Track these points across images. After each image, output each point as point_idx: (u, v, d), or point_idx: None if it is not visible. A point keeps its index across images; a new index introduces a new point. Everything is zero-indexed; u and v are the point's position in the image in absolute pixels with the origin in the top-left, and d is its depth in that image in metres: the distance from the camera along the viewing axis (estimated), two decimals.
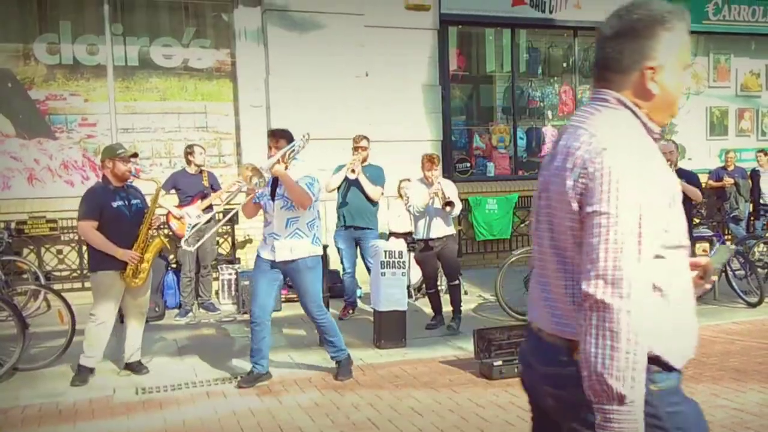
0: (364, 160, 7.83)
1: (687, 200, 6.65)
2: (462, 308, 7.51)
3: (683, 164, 12.89)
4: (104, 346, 5.88)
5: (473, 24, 11.66)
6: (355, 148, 7.84)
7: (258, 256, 5.70)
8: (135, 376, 5.95)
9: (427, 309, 8.38)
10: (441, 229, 7.33)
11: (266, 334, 5.62)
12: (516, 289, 7.89)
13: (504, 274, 7.74)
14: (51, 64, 9.45)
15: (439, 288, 7.93)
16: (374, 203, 7.87)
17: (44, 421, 4.96)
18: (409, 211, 7.50)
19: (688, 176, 6.66)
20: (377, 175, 7.87)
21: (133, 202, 5.92)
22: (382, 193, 7.97)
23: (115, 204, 5.81)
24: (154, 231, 5.92)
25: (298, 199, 5.40)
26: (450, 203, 7.12)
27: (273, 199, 5.53)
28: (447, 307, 7.61)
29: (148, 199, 6.12)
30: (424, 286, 9.00)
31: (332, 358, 5.84)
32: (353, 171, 7.62)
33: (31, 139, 9.41)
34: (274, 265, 5.55)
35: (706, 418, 4.68)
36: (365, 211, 7.84)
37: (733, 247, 8.71)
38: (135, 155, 6.12)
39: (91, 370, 5.85)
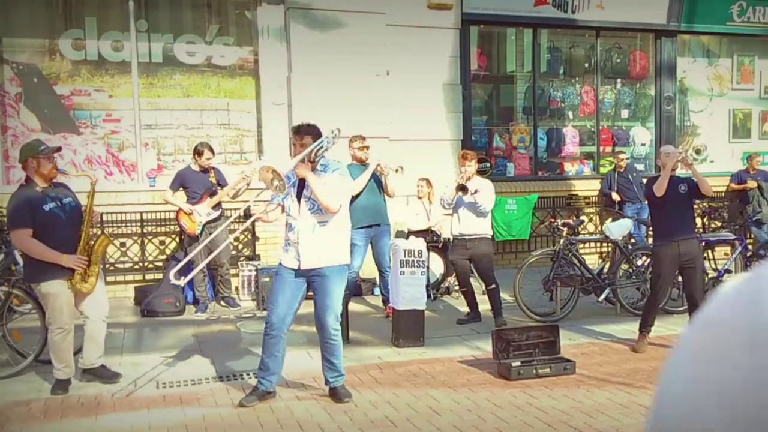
0: (364, 159, 7.84)
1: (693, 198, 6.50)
2: (501, 309, 7.52)
3: (704, 167, 12.85)
4: (72, 354, 5.56)
5: (495, 23, 11.64)
6: (361, 148, 7.77)
7: (280, 264, 5.24)
8: (152, 370, 6.01)
9: (444, 308, 8.42)
10: (472, 226, 7.36)
11: (281, 348, 5.18)
12: (535, 289, 7.88)
13: (523, 275, 7.73)
14: (76, 59, 9.56)
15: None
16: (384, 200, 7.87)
17: (66, 414, 5.03)
18: (442, 205, 7.64)
19: (685, 181, 6.50)
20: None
21: (65, 201, 5.42)
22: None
23: (46, 207, 5.27)
24: (98, 228, 5.35)
25: (325, 202, 4.89)
26: (462, 187, 7.20)
27: (299, 201, 5.05)
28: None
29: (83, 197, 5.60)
30: (443, 285, 9.08)
31: (330, 383, 5.23)
32: (381, 170, 7.67)
33: (55, 133, 9.51)
34: (298, 273, 5.09)
35: None
36: (382, 209, 7.86)
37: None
38: (58, 149, 5.49)
39: (69, 381, 5.51)
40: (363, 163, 7.78)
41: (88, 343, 5.62)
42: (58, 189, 5.53)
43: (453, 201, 7.40)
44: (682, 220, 6.47)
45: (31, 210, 5.23)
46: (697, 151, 13.06)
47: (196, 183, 8.21)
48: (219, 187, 8.24)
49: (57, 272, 5.29)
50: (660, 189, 6.40)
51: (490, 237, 7.60)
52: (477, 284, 7.85)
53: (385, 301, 7.91)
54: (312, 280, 5.12)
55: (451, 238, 7.78)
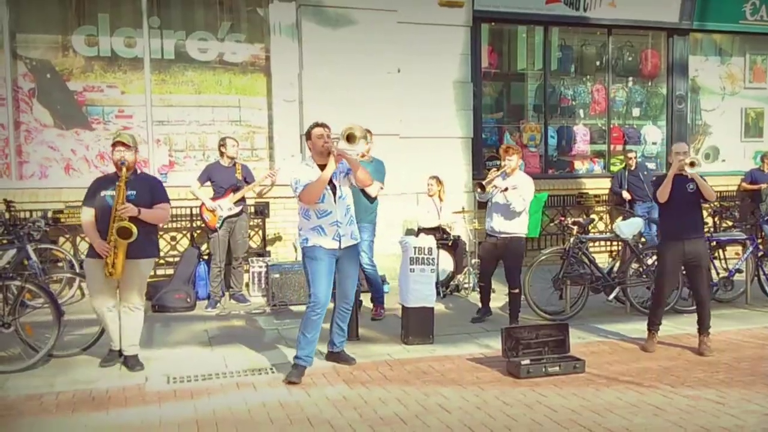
0: (364, 154, 7.36)
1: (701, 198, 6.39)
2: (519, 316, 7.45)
3: (717, 166, 12.82)
4: (114, 331, 5.97)
5: (506, 21, 11.62)
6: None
7: (316, 246, 5.64)
8: (163, 364, 6.05)
9: (454, 305, 8.44)
10: (503, 224, 7.27)
11: (320, 325, 5.72)
12: (544, 288, 7.88)
13: (532, 273, 7.72)
14: (89, 56, 9.61)
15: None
16: (372, 200, 7.47)
17: (78, 408, 5.06)
18: (478, 199, 7.65)
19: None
20: (373, 170, 7.38)
21: (128, 192, 5.75)
22: (381, 188, 7.57)
23: (103, 193, 5.79)
24: (124, 224, 5.61)
25: (366, 178, 5.74)
26: (480, 185, 7.20)
27: (333, 191, 5.65)
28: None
29: (172, 192, 6.07)
30: (452, 282, 9.10)
31: (337, 346, 6.07)
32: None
33: (68, 129, 9.59)
34: (334, 253, 5.68)
35: (738, 422, 4.66)
36: (358, 207, 7.27)
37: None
38: (118, 143, 5.80)
39: (116, 353, 6.05)
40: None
41: (122, 332, 6.01)
42: (133, 181, 5.84)
43: (485, 197, 7.35)
44: (688, 220, 6.40)
45: (92, 192, 5.88)
46: (707, 156, 13.01)
47: (222, 178, 8.43)
48: (245, 183, 8.43)
49: (92, 253, 5.84)
50: (662, 195, 6.38)
51: (522, 236, 7.39)
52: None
53: (373, 300, 7.76)
54: (342, 259, 5.79)
55: (486, 233, 7.64)
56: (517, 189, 7.17)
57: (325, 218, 5.67)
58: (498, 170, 7.39)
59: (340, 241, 5.69)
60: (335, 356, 6.08)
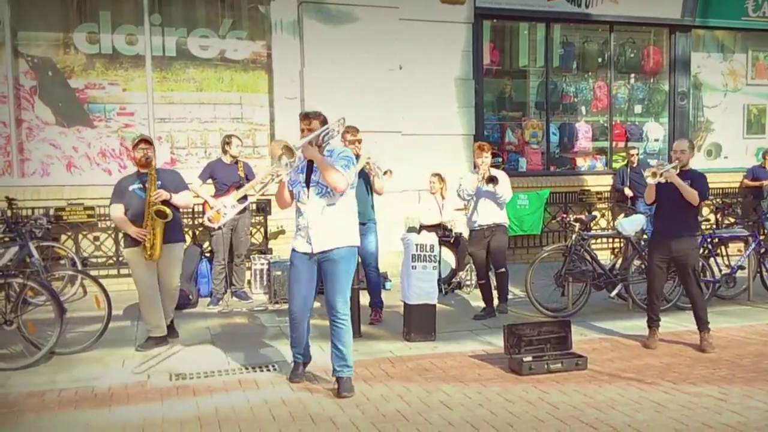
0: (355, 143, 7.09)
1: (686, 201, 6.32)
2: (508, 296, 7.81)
3: (719, 162, 12.80)
4: (157, 316, 6.43)
5: (508, 18, 11.62)
6: (353, 141, 7.06)
7: (293, 250, 5.31)
8: (168, 362, 6.07)
9: (456, 302, 8.43)
10: (491, 215, 7.56)
11: (307, 323, 5.42)
12: (546, 285, 7.87)
13: (534, 270, 7.72)
14: (90, 53, 9.62)
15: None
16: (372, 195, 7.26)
17: (80, 405, 5.07)
18: (460, 196, 7.70)
19: (693, 177, 6.37)
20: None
21: (156, 183, 6.33)
22: (389, 173, 7.27)
23: (131, 187, 6.37)
24: (159, 207, 6.25)
25: (332, 182, 4.99)
26: (492, 178, 7.33)
27: (308, 186, 5.15)
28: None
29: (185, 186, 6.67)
30: (454, 279, 9.09)
31: (336, 372, 5.25)
32: (369, 168, 6.99)
33: (70, 127, 9.60)
34: (311, 257, 5.19)
35: (739, 419, 4.65)
36: (368, 206, 7.20)
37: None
38: (141, 141, 6.45)
39: (162, 339, 6.53)
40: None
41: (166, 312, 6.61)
42: (158, 175, 6.40)
43: (474, 192, 7.49)
44: (677, 218, 6.40)
45: (120, 188, 6.42)
46: (708, 153, 12.98)
47: (225, 175, 8.42)
48: (246, 181, 8.42)
49: (130, 242, 6.38)
50: (648, 197, 6.51)
51: (507, 225, 7.82)
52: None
53: (372, 305, 7.43)
54: (322, 264, 5.21)
55: (469, 230, 7.81)
56: (500, 183, 7.44)
57: (300, 218, 5.24)
58: (483, 167, 7.50)
59: (311, 245, 5.15)
60: (336, 382, 5.29)
